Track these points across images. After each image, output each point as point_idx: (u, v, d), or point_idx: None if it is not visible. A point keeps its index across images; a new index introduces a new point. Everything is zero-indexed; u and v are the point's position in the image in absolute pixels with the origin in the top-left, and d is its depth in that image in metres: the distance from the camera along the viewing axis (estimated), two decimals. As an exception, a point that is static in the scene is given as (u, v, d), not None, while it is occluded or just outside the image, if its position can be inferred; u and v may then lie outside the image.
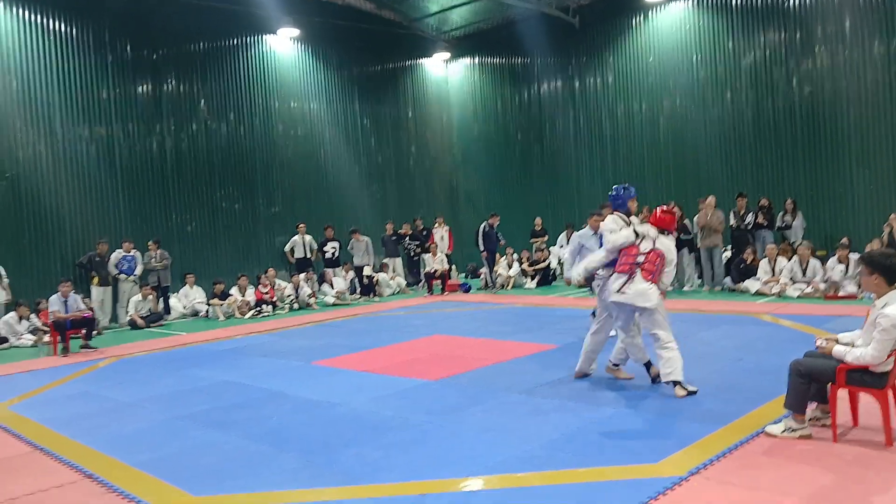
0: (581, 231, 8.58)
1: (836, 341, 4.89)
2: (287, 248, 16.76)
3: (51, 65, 14.08)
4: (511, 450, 4.97)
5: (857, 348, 4.71)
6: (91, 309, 12.52)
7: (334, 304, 15.32)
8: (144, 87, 15.43)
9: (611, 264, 6.63)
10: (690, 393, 6.05)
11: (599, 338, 6.92)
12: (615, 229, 6.63)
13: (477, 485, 4.38)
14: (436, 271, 16.35)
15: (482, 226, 16.32)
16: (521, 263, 16.85)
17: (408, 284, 17.52)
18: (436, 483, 4.44)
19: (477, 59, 21.05)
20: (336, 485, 4.55)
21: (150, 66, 15.50)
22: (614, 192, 6.97)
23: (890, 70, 13.97)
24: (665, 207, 6.72)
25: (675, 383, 6.10)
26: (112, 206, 14.87)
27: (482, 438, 5.30)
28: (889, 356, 4.59)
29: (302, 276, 15.62)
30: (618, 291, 6.32)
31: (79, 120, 14.46)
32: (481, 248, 16.24)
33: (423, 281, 17.06)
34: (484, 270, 16.76)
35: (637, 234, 6.44)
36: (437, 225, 18.06)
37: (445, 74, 21.72)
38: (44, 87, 14.00)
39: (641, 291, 6.21)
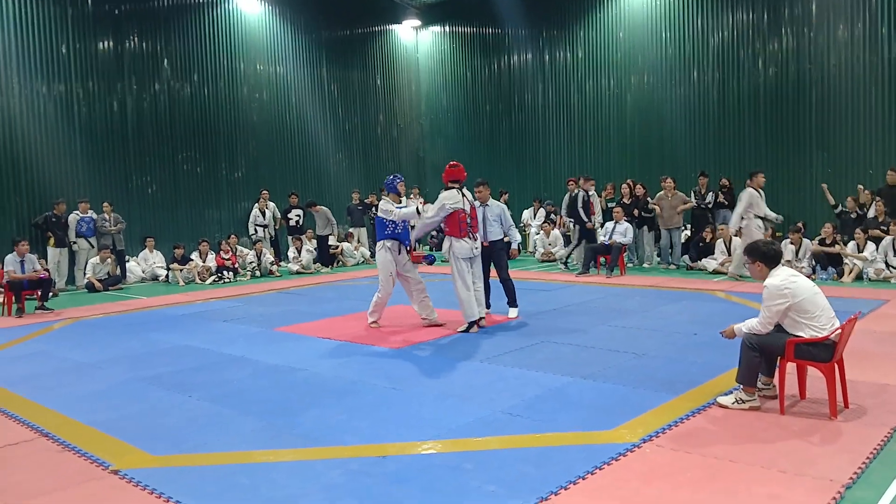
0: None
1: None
2: (251, 221, 16.36)
3: (7, 16, 13.60)
4: (471, 414, 5.05)
5: (749, 320, 5.05)
6: (47, 270, 12.27)
7: (297, 273, 15.24)
8: (105, 43, 15.01)
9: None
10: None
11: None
12: (392, 209, 8.18)
13: (437, 447, 4.46)
14: (400, 241, 16.31)
15: (579, 193, 13.48)
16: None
17: (372, 255, 17.49)
18: (396, 445, 4.51)
19: (447, 28, 20.90)
20: (297, 446, 4.59)
21: (112, 22, 15.07)
22: (388, 179, 8.68)
23: (852, 55, 14.26)
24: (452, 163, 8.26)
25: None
26: (70, 166, 14.53)
27: (443, 403, 5.37)
28: (835, 330, 4.78)
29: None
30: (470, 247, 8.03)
31: (37, 75, 14.04)
32: (584, 218, 13.40)
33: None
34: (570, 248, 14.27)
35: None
36: (412, 196, 18.00)
37: (415, 42, 21.52)
38: (0, 40, 13.54)
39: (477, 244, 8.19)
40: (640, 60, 16.98)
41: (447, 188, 8.11)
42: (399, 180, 8.58)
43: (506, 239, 9.18)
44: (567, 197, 14.46)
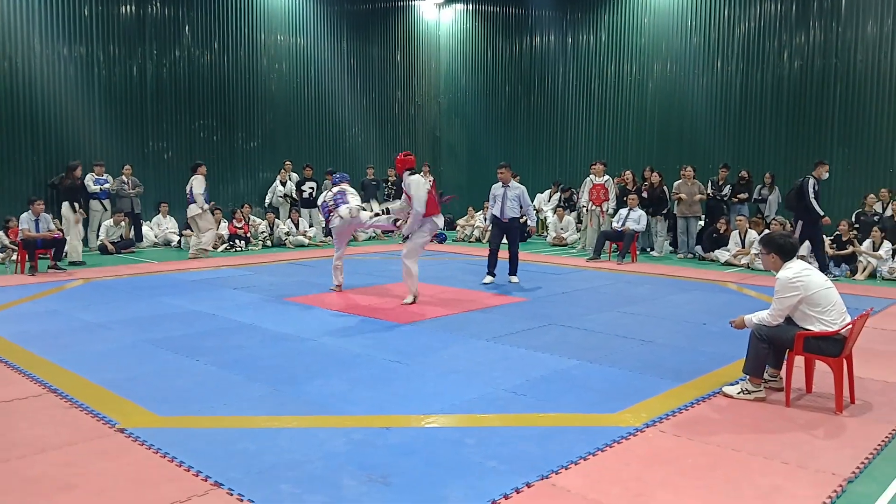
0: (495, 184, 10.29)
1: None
2: (270, 191, 16.57)
3: (31, -25, 13.62)
4: (475, 392, 5.07)
5: (760, 312, 5.07)
6: (61, 230, 12.35)
7: (309, 245, 15.27)
8: (128, 7, 14.97)
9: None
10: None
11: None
12: (353, 204, 9.25)
13: (439, 422, 4.48)
14: (413, 219, 16.32)
15: (809, 181, 10.90)
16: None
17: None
18: (399, 418, 4.54)
19: (470, 6, 20.69)
20: (301, 413, 4.63)
21: (135, -14, 15.04)
22: (337, 175, 9.89)
23: (880, 52, 14.02)
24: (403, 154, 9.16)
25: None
26: (88, 128, 14.56)
27: (447, 379, 5.39)
28: (846, 326, 4.75)
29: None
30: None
31: (58, 37, 14.04)
32: (819, 210, 10.83)
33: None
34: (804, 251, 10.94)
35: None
36: (422, 173, 17.92)
37: (437, 19, 21.34)
38: (23, 0, 13.54)
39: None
40: (663, 47, 16.79)
41: (412, 174, 9.09)
42: (347, 180, 9.78)
43: (523, 219, 10.36)
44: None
